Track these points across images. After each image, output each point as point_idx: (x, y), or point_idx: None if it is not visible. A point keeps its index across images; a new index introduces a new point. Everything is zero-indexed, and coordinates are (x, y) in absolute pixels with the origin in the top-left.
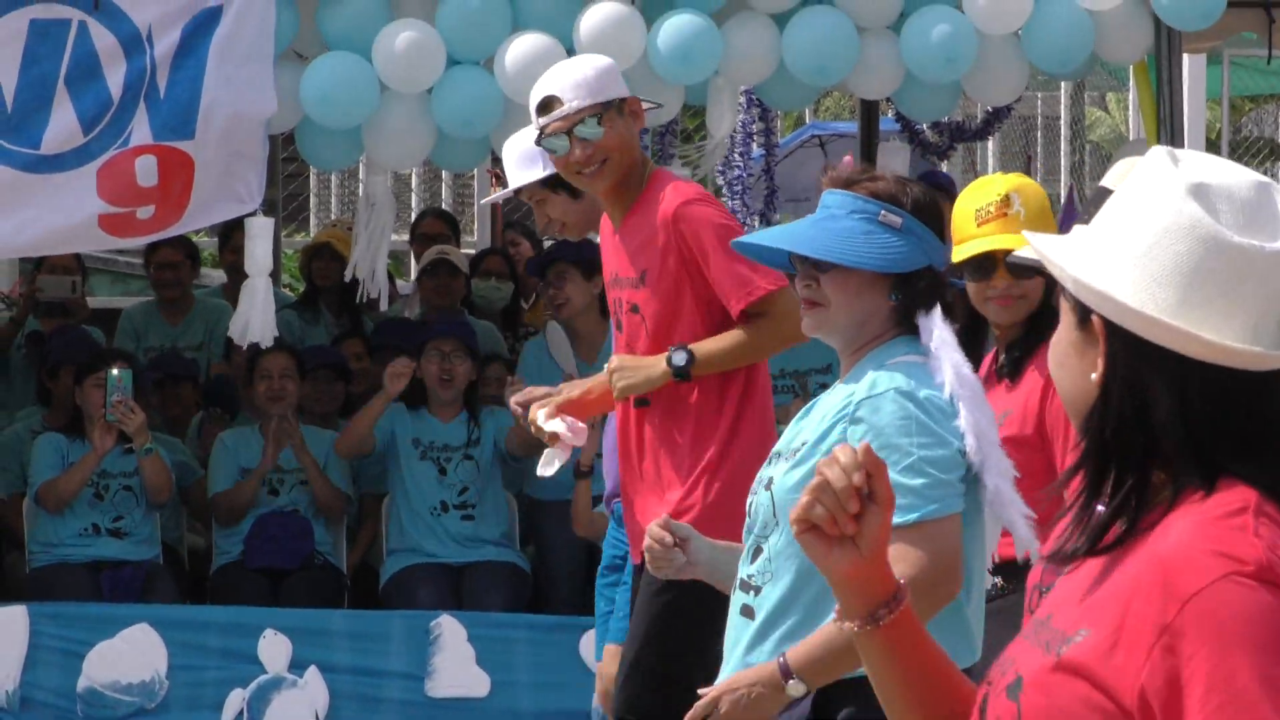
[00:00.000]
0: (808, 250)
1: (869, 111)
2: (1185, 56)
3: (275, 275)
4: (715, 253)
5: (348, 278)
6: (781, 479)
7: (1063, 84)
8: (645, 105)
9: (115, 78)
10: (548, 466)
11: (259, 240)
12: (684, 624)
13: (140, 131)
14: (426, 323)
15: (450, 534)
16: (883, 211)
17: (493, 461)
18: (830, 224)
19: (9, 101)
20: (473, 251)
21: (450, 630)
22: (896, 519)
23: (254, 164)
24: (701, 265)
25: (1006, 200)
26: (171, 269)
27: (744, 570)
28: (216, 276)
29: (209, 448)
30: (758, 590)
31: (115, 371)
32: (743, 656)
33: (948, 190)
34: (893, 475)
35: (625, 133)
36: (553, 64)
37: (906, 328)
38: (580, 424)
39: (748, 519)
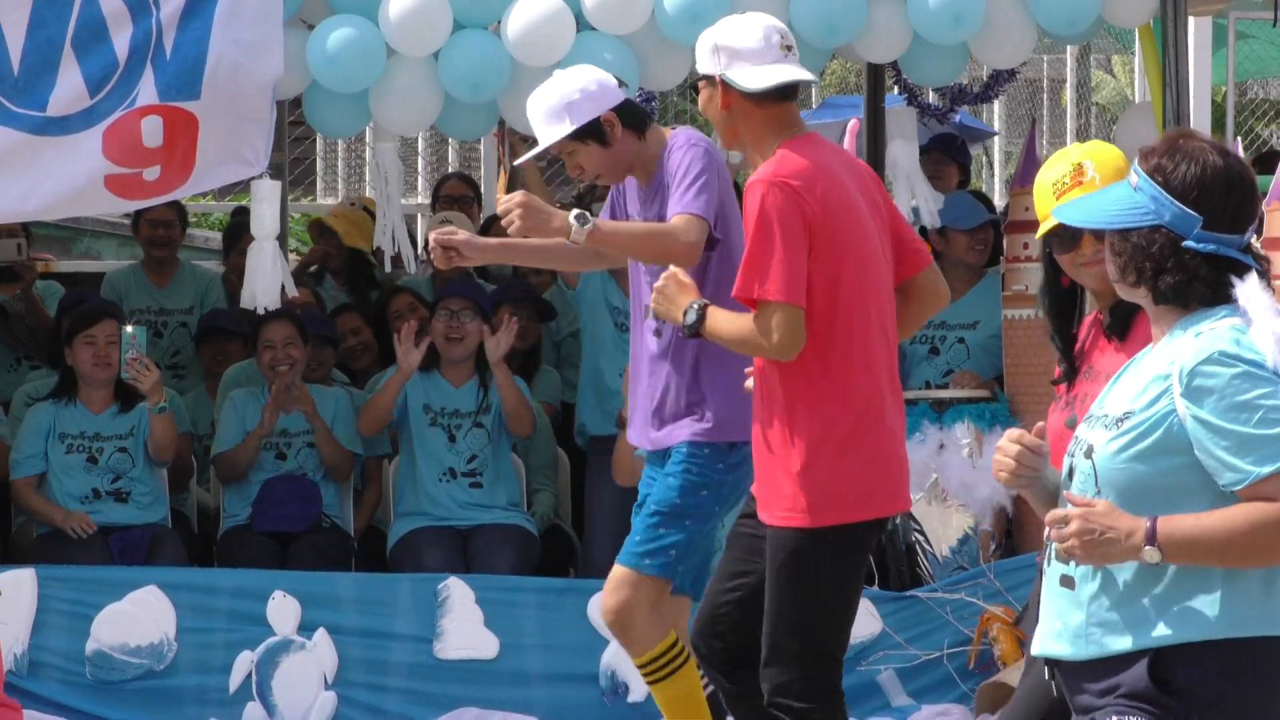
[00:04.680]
0: None
1: (875, 77)
2: (1191, 19)
3: (282, 240)
4: (750, 238)
5: (386, 258)
6: (1103, 448)
7: (1068, 47)
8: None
9: (121, 40)
10: None
11: (266, 204)
12: (815, 596)
13: (146, 92)
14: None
15: (456, 500)
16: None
17: (502, 430)
18: None
19: (15, 64)
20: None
21: (458, 593)
22: (1265, 468)
23: (260, 127)
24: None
25: (1080, 169)
26: (164, 227)
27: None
28: (198, 236)
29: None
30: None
31: (129, 329)
32: (1064, 628)
33: (954, 154)
34: (1250, 430)
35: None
36: (560, 27)
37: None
38: None
39: (1065, 480)
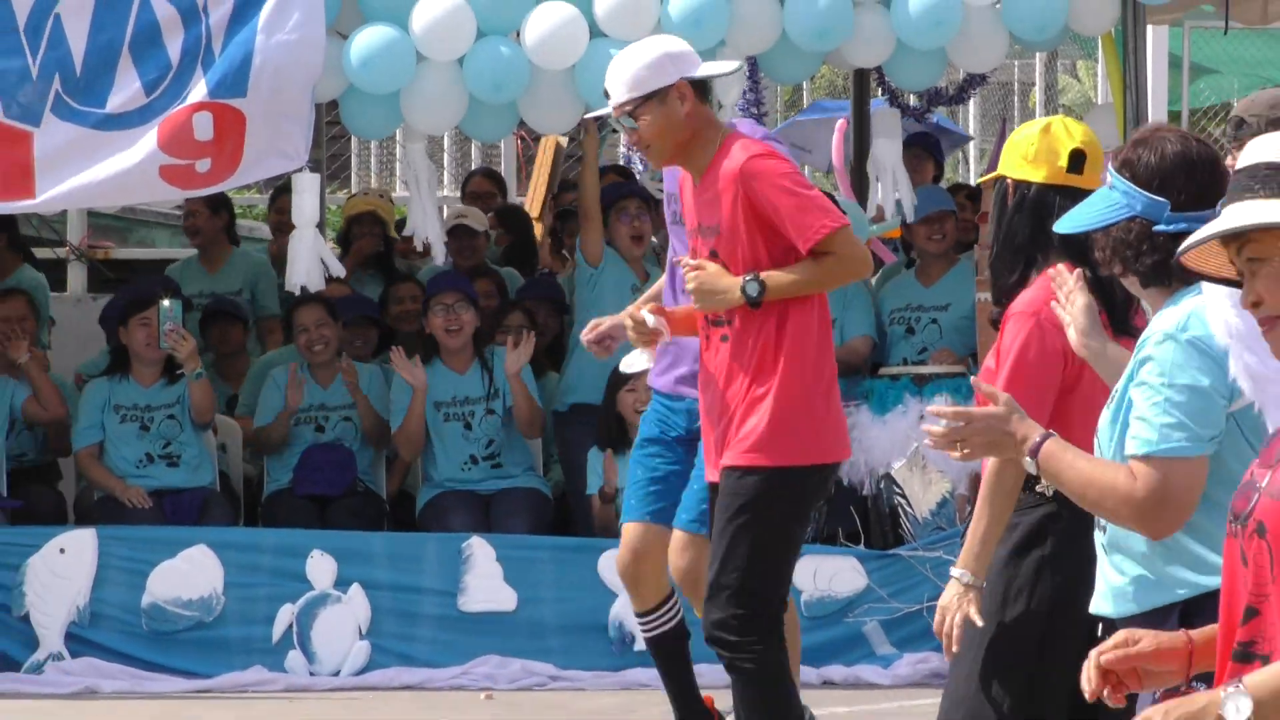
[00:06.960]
0: None
1: (861, 82)
2: (1149, 28)
3: (321, 229)
4: (782, 200)
5: (417, 245)
6: (1102, 430)
7: (1037, 53)
8: (716, 72)
9: (174, 45)
10: (631, 365)
11: (306, 194)
12: (770, 535)
13: (197, 91)
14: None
15: (480, 480)
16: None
17: (513, 417)
18: None
19: (78, 66)
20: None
21: (480, 551)
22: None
23: (300, 124)
24: (771, 214)
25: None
26: (191, 216)
27: None
28: (244, 226)
29: None
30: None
31: (166, 302)
32: (1107, 588)
33: (932, 150)
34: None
35: (664, 120)
36: (574, 33)
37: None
38: (666, 323)
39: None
